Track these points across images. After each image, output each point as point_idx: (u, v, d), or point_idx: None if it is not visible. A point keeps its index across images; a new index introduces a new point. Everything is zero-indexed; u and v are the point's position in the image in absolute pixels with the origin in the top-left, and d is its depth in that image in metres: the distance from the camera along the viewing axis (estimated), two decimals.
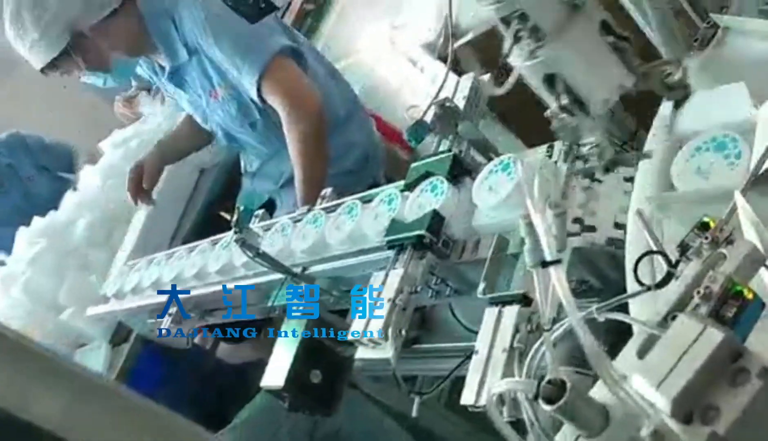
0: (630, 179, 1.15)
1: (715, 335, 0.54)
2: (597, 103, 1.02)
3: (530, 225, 0.72)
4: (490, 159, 1.38)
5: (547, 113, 1.11)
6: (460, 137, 1.44)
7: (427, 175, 1.39)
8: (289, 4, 5.13)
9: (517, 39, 0.98)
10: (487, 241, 1.31)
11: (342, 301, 1.71)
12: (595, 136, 1.12)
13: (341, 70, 2.81)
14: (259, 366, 1.81)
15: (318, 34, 5.30)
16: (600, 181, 1.18)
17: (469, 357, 1.31)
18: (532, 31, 0.98)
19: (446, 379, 1.37)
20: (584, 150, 1.30)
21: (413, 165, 1.47)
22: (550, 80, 1.02)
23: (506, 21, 0.99)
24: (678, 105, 1.16)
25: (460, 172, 1.38)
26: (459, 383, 1.41)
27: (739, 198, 0.82)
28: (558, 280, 0.60)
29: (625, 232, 1.13)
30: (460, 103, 1.47)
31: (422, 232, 1.31)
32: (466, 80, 1.50)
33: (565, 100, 1.02)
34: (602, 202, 1.17)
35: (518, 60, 1.01)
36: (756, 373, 0.52)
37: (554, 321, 0.85)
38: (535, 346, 0.85)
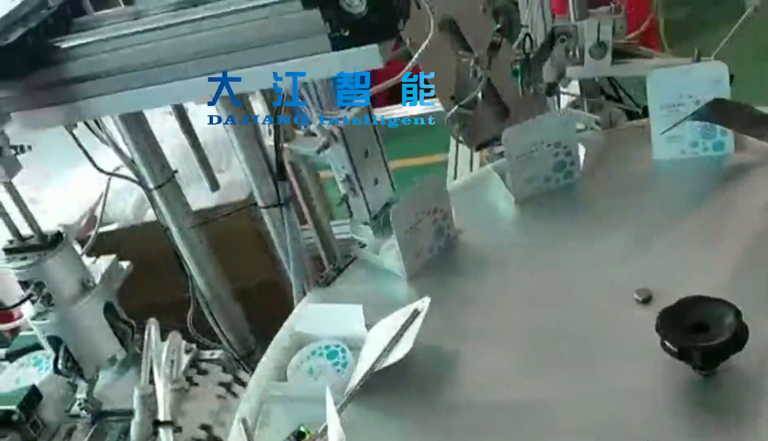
0: None
1: None
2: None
3: (145, 397, 0.71)
4: None
5: None
6: None
7: (35, 347, 1.30)
8: None
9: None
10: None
11: None
12: None
13: None
14: None
15: None
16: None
17: None
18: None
19: None
20: (206, 355, 1.34)
21: (21, 333, 1.37)
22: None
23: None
24: None
25: None
26: None
27: (330, 407, 0.90)
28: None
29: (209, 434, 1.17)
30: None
31: (13, 407, 1.19)
32: (105, 262, 1.47)
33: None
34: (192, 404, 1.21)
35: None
36: None
37: None
38: None
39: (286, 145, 1.34)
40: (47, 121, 1.18)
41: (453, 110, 1.53)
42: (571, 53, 1.45)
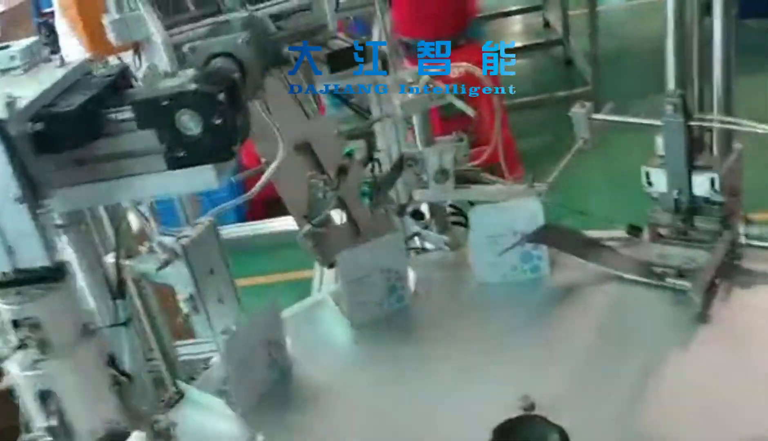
0: None
1: None
2: (82, 433, 1.00)
3: None
4: None
5: (28, 437, 1.04)
6: None
7: None
8: None
9: (23, 345, 0.96)
10: None
11: None
12: None
13: None
14: None
15: None
16: None
17: None
18: (41, 342, 0.96)
19: None
20: None
21: None
22: (43, 397, 0.98)
23: (17, 324, 0.96)
24: None
25: None
26: None
27: None
28: None
29: None
30: None
31: None
32: None
33: (54, 421, 0.97)
34: None
35: (15, 367, 0.96)
36: None
37: None
38: None
39: (127, 262, 1.30)
40: None
41: (306, 229, 1.55)
42: (419, 177, 1.52)
